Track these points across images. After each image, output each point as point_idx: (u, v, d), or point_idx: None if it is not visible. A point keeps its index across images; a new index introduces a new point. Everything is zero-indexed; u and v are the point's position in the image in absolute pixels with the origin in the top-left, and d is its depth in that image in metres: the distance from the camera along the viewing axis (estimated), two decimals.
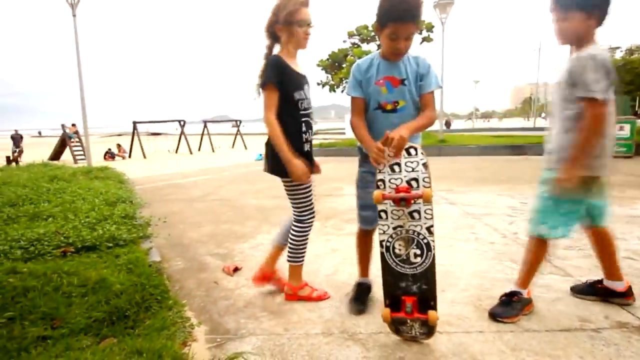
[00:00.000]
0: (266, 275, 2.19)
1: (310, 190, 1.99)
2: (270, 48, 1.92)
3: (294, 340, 1.71)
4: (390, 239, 1.60)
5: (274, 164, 1.90)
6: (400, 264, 1.60)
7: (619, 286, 1.89)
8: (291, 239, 2.03)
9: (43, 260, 2.29)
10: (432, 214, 1.55)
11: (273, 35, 1.90)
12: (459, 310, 1.90)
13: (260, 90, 1.85)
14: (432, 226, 1.55)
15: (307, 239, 2.04)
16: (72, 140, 13.66)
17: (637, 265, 2.39)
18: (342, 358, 1.57)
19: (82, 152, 13.01)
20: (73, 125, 14.38)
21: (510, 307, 1.81)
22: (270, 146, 1.90)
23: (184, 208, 4.59)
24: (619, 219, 3.42)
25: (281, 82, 1.82)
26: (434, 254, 1.56)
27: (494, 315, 1.80)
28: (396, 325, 1.64)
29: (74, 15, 7.85)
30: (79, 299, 1.87)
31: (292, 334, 1.76)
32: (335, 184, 5.76)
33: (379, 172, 1.58)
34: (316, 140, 16.45)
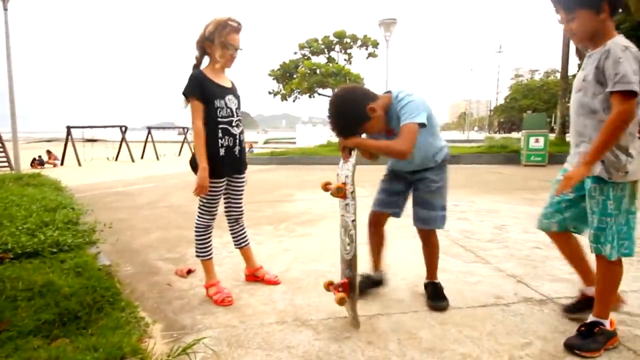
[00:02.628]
0: (251, 272, 2.45)
1: (209, 196, 2.15)
2: (199, 60, 2.09)
3: (250, 330, 1.83)
4: (340, 227, 1.86)
5: (193, 161, 2.12)
6: (344, 249, 1.85)
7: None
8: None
9: None
10: (354, 211, 1.74)
11: (203, 50, 2.08)
12: (398, 295, 2.15)
13: (185, 101, 2.05)
14: (354, 220, 1.74)
15: (204, 236, 2.23)
16: None
17: (543, 253, 2.84)
18: (295, 341, 1.72)
19: (4, 159, 11.77)
20: None
21: (599, 342, 1.57)
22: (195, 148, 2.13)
23: (131, 215, 4.45)
24: (532, 216, 3.97)
25: (202, 93, 2.01)
26: (356, 246, 1.75)
27: (572, 347, 1.57)
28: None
29: (5, 9, 7.23)
30: (25, 302, 1.82)
31: (247, 325, 1.88)
32: (287, 191, 5.91)
33: (340, 168, 1.86)
34: (267, 149, 16.32)
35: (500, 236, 3.32)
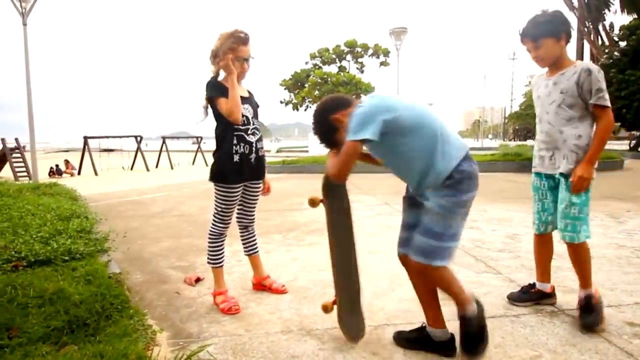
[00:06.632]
0: (258, 281, 2.44)
1: (224, 203, 2.18)
2: (216, 74, 2.15)
3: (255, 339, 1.83)
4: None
5: (212, 169, 2.17)
6: None
7: (548, 288, 2.10)
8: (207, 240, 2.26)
9: None
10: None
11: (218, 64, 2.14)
12: (405, 306, 2.12)
13: (209, 105, 2.12)
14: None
15: (216, 243, 2.24)
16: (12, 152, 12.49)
17: (556, 264, 2.75)
18: (299, 351, 1.71)
19: (23, 169, 12.14)
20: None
21: (596, 312, 1.83)
22: (214, 156, 2.18)
23: (143, 224, 4.53)
24: None
25: (223, 93, 2.04)
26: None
27: (591, 326, 1.80)
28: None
29: (25, 25, 7.53)
30: (35, 309, 1.86)
31: (253, 334, 1.88)
32: (297, 199, 5.92)
33: None
34: (279, 157, 16.35)
35: (512, 246, 3.24)
